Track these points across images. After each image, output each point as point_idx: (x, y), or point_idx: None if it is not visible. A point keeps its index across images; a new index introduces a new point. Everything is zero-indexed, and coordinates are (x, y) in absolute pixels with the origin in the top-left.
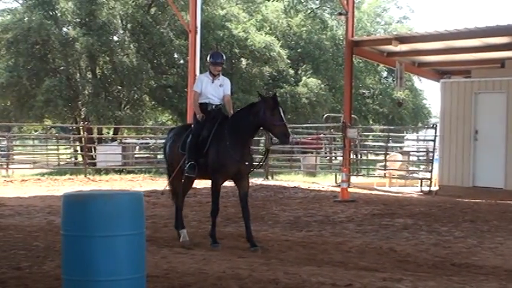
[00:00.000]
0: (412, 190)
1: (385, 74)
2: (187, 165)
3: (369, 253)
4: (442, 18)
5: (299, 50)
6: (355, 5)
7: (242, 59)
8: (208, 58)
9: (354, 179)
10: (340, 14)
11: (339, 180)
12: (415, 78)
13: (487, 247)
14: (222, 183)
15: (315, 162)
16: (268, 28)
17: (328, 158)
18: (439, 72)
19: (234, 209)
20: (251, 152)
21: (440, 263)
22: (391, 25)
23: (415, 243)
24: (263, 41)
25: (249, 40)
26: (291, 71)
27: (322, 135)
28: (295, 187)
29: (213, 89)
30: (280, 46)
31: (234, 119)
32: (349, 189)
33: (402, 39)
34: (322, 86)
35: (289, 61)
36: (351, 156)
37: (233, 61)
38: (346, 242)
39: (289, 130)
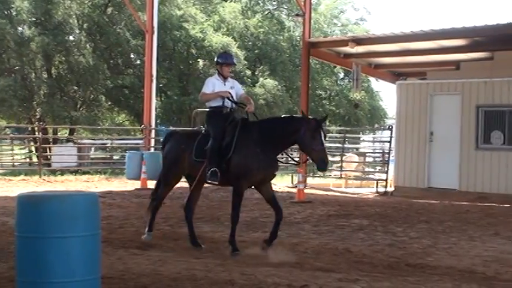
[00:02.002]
0: (368, 191)
1: (341, 75)
2: (209, 172)
3: (325, 254)
4: (398, 21)
5: (256, 51)
6: (312, 6)
7: (199, 59)
8: (217, 59)
9: (310, 180)
10: (297, 15)
11: (295, 181)
12: (371, 79)
13: (441, 247)
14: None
15: None
16: (225, 29)
17: (284, 159)
18: (395, 74)
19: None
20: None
21: (396, 263)
22: (348, 27)
23: (370, 243)
24: (220, 41)
25: (206, 41)
26: (248, 72)
27: None
28: (251, 188)
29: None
30: (238, 47)
31: (267, 127)
32: (306, 190)
33: (359, 41)
34: (279, 87)
35: (246, 62)
36: (308, 157)
37: (190, 62)
38: (302, 243)
39: (328, 157)
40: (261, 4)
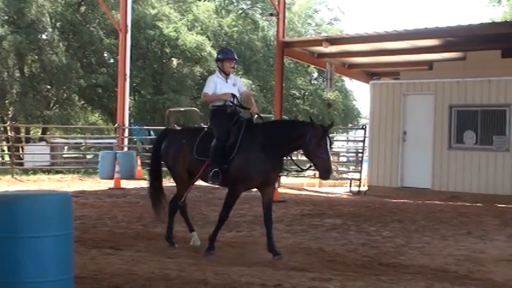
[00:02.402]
0: (341, 190)
1: (315, 75)
2: (211, 172)
3: (299, 253)
4: (372, 21)
5: None
6: (286, 6)
7: (173, 58)
8: (217, 55)
9: (284, 180)
10: (271, 14)
11: None
12: (345, 79)
13: (414, 247)
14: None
15: None
16: (199, 28)
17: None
18: (368, 73)
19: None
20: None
21: (369, 262)
22: (322, 26)
23: (344, 243)
24: (194, 40)
25: (180, 40)
26: None
27: None
28: (226, 188)
29: (228, 89)
30: (212, 46)
31: (272, 129)
32: (279, 190)
33: (332, 41)
34: (253, 86)
35: None
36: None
37: (164, 61)
38: (275, 242)
39: (332, 165)
40: (235, 3)
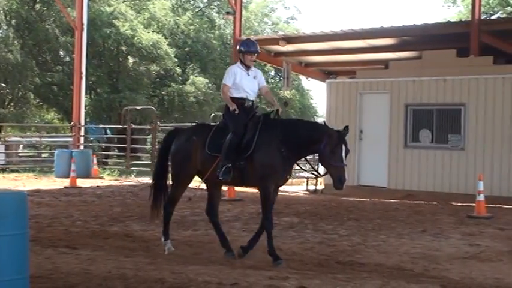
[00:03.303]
0: (298, 189)
1: (272, 73)
2: (222, 169)
3: (255, 252)
4: (329, 19)
5: (187, 49)
6: (243, 4)
7: (129, 57)
8: (239, 47)
9: None
10: (228, 13)
11: None
12: (302, 77)
13: (370, 245)
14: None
15: None
16: (155, 26)
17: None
18: (325, 72)
19: (119, 209)
20: None
21: (325, 261)
22: (279, 25)
23: (300, 241)
24: (150, 39)
25: (136, 38)
26: (179, 70)
27: None
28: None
29: (249, 82)
30: (168, 44)
31: (290, 129)
32: (236, 188)
33: (289, 40)
34: (210, 85)
35: (176, 60)
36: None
37: (120, 59)
38: (232, 241)
39: (346, 174)
40: (192, 2)
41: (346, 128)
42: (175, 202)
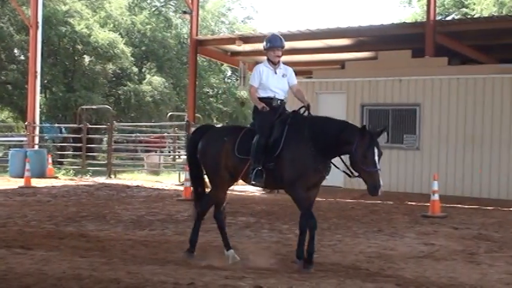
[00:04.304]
0: (254, 189)
1: (229, 73)
2: (253, 173)
3: (211, 251)
4: (285, 19)
5: (143, 48)
6: (199, 4)
7: (85, 56)
8: (264, 44)
9: None
10: (184, 12)
11: (182, 179)
12: None
13: (326, 244)
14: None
15: (158, 161)
16: (112, 25)
17: (171, 156)
18: None
19: (75, 208)
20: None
21: (281, 260)
22: (235, 25)
23: (257, 241)
24: (106, 38)
25: (92, 37)
26: (135, 69)
27: (166, 134)
28: (138, 186)
29: (277, 81)
30: (124, 43)
31: (320, 128)
32: None
33: (246, 39)
34: (167, 84)
35: (133, 59)
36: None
37: (76, 58)
38: (186, 241)
39: (381, 180)
40: (149, 1)
41: (384, 129)
42: (219, 205)
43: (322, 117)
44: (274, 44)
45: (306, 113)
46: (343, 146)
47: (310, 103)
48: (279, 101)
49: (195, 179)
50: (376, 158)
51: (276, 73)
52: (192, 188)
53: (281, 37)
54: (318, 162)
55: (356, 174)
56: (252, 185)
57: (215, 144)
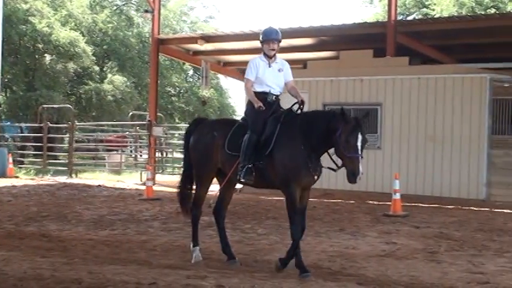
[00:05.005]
0: (217, 188)
1: (191, 72)
2: (243, 170)
3: (174, 251)
4: (247, 19)
5: (105, 47)
6: (161, 2)
7: (46, 54)
8: (260, 37)
9: (159, 177)
10: (146, 11)
11: (144, 179)
12: (220, 76)
13: (288, 244)
14: (299, 195)
15: (120, 161)
16: (73, 24)
17: (133, 156)
18: (243, 71)
19: (36, 208)
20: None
21: (244, 259)
22: (197, 24)
23: (219, 240)
24: (68, 36)
25: (53, 35)
26: (96, 68)
27: (127, 133)
28: (99, 185)
29: (272, 75)
30: (86, 42)
31: (310, 122)
32: (154, 188)
33: (208, 39)
34: (128, 83)
35: (94, 58)
36: (156, 155)
37: (37, 57)
38: (150, 240)
39: (361, 168)
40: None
41: (367, 114)
42: (201, 203)
43: (311, 112)
44: (269, 37)
45: (299, 111)
46: (332, 135)
47: (303, 98)
48: (273, 97)
49: (188, 176)
50: (359, 144)
51: (269, 66)
52: (180, 185)
53: (277, 30)
54: (309, 161)
55: (340, 164)
56: (241, 183)
57: (205, 139)
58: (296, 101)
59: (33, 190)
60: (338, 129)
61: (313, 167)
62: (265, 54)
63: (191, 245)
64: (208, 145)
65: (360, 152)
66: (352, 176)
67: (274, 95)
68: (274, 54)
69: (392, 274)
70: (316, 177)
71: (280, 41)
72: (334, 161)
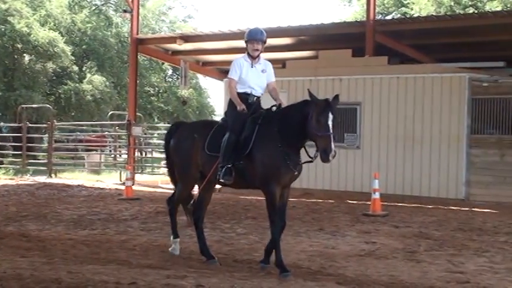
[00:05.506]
0: (195, 187)
1: (170, 72)
2: (222, 170)
3: (153, 251)
4: (226, 18)
5: (84, 47)
6: (140, 2)
7: (25, 54)
8: (245, 36)
9: (138, 177)
10: (125, 11)
11: (123, 178)
12: (200, 76)
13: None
14: (279, 194)
15: (99, 160)
16: (52, 24)
17: (112, 155)
18: (222, 71)
19: (15, 208)
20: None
21: (223, 259)
22: (176, 24)
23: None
24: (47, 36)
25: (32, 35)
26: (75, 68)
27: (106, 132)
28: (79, 185)
29: (255, 76)
30: (64, 42)
31: (285, 117)
32: (134, 187)
33: (186, 38)
34: (107, 83)
35: (73, 58)
36: (136, 154)
37: (15, 57)
38: (130, 240)
39: (334, 146)
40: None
41: (337, 96)
42: (180, 202)
43: (286, 107)
44: (253, 37)
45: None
46: (303, 123)
47: (282, 102)
48: (254, 98)
49: (173, 176)
50: (330, 122)
51: (252, 67)
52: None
53: (262, 30)
54: (287, 159)
55: (316, 155)
56: (220, 183)
57: (185, 142)
58: (274, 103)
59: (12, 190)
60: (309, 113)
61: (293, 164)
62: (249, 55)
63: (171, 237)
64: (189, 148)
65: (331, 130)
66: (325, 154)
67: (256, 96)
68: (258, 55)
69: (372, 274)
70: (296, 172)
71: (265, 42)
72: (307, 153)
